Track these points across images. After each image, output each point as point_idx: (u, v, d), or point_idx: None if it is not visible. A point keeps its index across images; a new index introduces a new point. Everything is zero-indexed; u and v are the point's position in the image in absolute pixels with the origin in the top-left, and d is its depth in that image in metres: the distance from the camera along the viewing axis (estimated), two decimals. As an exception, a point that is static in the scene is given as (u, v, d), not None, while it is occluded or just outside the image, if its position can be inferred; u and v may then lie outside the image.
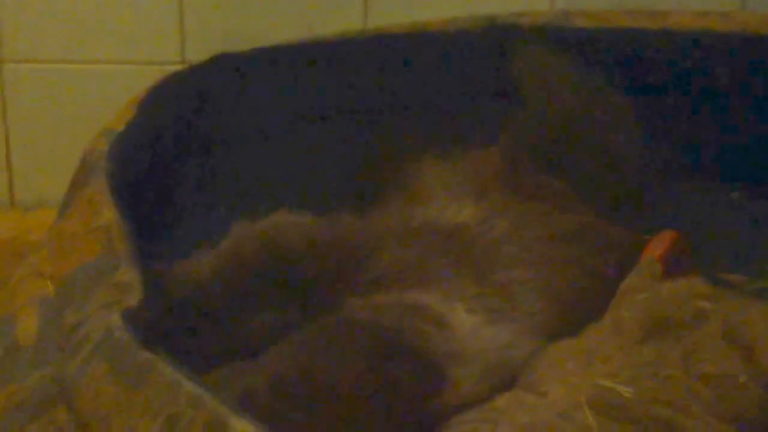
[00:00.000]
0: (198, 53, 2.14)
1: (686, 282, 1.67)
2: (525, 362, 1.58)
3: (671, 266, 1.74)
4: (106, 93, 2.21)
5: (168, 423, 1.29)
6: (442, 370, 1.50)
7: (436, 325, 1.54)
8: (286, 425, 1.37)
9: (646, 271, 1.71)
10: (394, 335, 1.50)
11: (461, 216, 1.75)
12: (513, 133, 1.95)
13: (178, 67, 2.08)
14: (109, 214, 1.60)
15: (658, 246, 1.76)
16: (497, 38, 2.14)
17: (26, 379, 1.48)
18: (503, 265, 1.68)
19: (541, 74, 2.03)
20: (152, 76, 1.98)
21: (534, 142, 1.92)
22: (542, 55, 2.05)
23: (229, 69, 2.05)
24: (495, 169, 1.86)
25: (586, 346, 1.59)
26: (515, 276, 1.66)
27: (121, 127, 1.81)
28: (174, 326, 1.51)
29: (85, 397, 1.37)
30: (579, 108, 1.98)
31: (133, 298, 1.44)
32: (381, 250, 1.66)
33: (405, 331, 1.51)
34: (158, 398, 1.31)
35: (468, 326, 1.57)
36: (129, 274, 1.50)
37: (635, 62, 2.15)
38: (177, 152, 1.98)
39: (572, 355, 1.57)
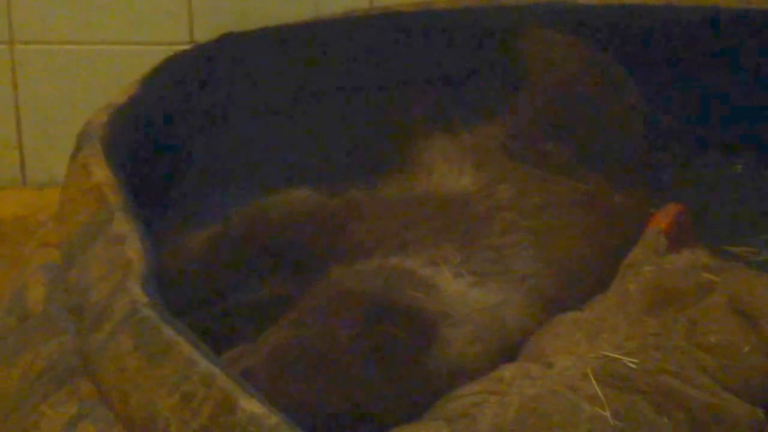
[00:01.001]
0: (206, 34, 2.14)
1: (691, 254, 1.70)
2: (521, 325, 1.60)
3: (676, 239, 1.75)
4: (116, 73, 2.21)
5: (182, 400, 1.32)
6: (434, 326, 1.52)
7: (424, 289, 1.56)
8: (287, 397, 1.40)
9: (650, 243, 1.72)
10: (384, 299, 1.52)
11: (460, 184, 1.77)
12: (519, 106, 1.96)
13: (186, 48, 2.09)
14: (100, 172, 1.62)
15: (662, 219, 1.77)
16: (503, 16, 2.15)
17: (42, 346, 1.50)
18: (498, 230, 1.68)
19: (546, 51, 2.03)
20: (161, 56, 1.99)
21: (539, 115, 1.93)
22: (547, 33, 2.06)
23: (235, 48, 2.06)
24: (499, 139, 1.87)
25: (591, 318, 1.61)
26: (509, 240, 1.67)
27: (122, 101, 1.83)
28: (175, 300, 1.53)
29: (109, 370, 1.40)
30: (582, 82, 1.98)
31: (131, 250, 1.46)
32: (359, 218, 1.68)
33: (393, 296, 1.53)
34: (175, 375, 1.33)
35: (455, 289, 1.59)
36: (124, 225, 1.52)
37: (640, 37, 2.15)
38: (185, 129, 1.99)
39: (578, 327, 1.59)
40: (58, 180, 2.28)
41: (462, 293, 1.59)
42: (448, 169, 1.80)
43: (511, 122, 1.90)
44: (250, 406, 1.29)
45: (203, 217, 1.93)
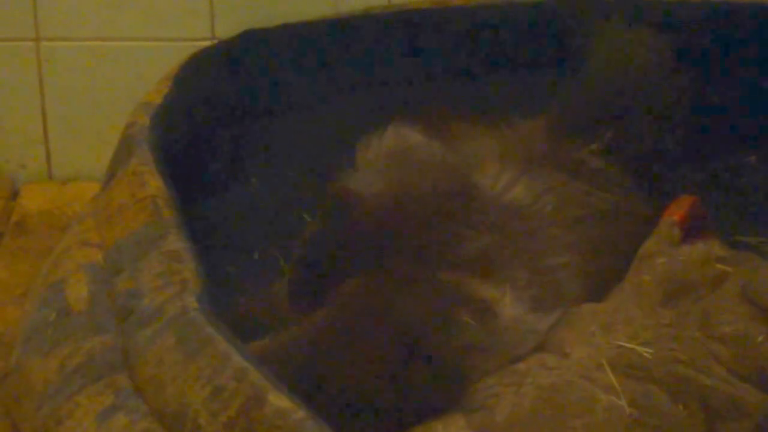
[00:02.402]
0: (227, 30, 2.15)
1: (704, 245, 1.71)
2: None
3: (689, 230, 1.76)
4: (139, 69, 2.22)
5: (214, 393, 1.34)
6: (463, 372, 1.52)
7: (481, 318, 1.57)
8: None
9: (664, 235, 1.74)
10: (423, 331, 1.51)
11: (515, 193, 1.78)
12: (559, 106, 1.95)
13: (207, 44, 2.11)
14: (155, 184, 1.64)
15: (676, 210, 1.78)
16: (520, 12, 2.15)
17: (84, 342, 1.53)
18: (552, 249, 1.70)
19: (615, 48, 2.01)
20: (183, 52, 2.02)
21: (580, 115, 1.92)
22: (619, 29, 2.03)
23: (256, 44, 2.08)
24: (539, 143, 1.87)
25: (607, 310, 1.63)
26: (561, 261, 1.69)
27: (158, 100, 1.85)
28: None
29: (149, 364, 1.43)
30: (644, 81, 1.97)
31: (187, 270, 1.49)
32: (480, 229, 1.68)
33: (437, 324, 1.53)
34: (209, 369, 1.36)
35: (512, 315, 1.60)
36: (178, 242, 1.55)
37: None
38: (209, 125, 2.01)
39: (594, 318, 1.61)
40: (84, 175, 2.31)
41: (518, 320, 1.60)
42: (498, 172, 1.81)
43: (553, 127, 1.89)
44: (278, 400, 1.31)
45: (225, 212, 1.96)
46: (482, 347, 1.54)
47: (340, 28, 2.11)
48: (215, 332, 1.38)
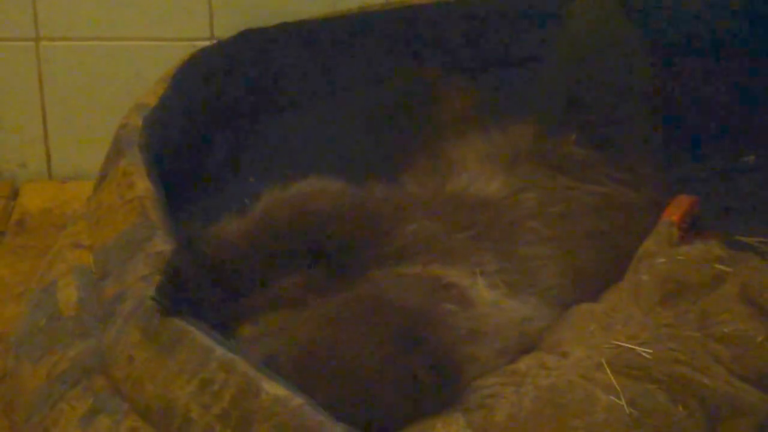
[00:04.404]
0: (226, 30, 2.16)
1: (703, 245, 1.71)
2: (545, 329, 1.62)
3: (688, 230, 1.77)
4: (139, 69, 2.23)
5: (201, 386, 1.35)
6: (459, 365, 1.51)
7: (459, 303, 1.56)
8: (309, 392, 1.39)
9: (663, 235, 1.74)
10: (419, 317, 1.50)
11: (490, 188, 1.78)
12: (541, 101, 1.96)
13: (207, 44, 2.12)
14: (142, 185, 1.64)
15: (675, 210, 1.79)
16: (519, 5, 2.16)
17: (70, 349, 1.53)
18: (527, 240, 1.70)
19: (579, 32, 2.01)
20: (182, 52, 2.03)
21: (562, 104, 1.92)
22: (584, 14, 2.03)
23: (255, 44, 2.09)
24: (526, 141, 1.87)
25: (606, 310, 1.63)
26: (537, 251, 1.69)
27: (153, 102, 1.85)
28: (204, 282, 1.51)
29: (119, 363, 1.43)
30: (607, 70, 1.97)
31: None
32: (407, 220, 1.67)
33: (430, 310, 1.53)
34: (191, 363, 1.36)
35: (489, 301, 1.59)
36: (164, 245, 1.54)
37: (659, 24, 2.16)
38: (207, 124, 2.02)
39: (593, 318, 1.61)
40: (83, 174, 2.33)
41: (495, 304, 1.59)
42: (479, 170, 1.81)
43: (537, 124, 1.89)
44: (274, 389, 1.32)
45: (223, 211, 1.96)
46: (469, 335, 1.54)
47: (339, 27, 2.12)
48: (185, 324, 1.37)
